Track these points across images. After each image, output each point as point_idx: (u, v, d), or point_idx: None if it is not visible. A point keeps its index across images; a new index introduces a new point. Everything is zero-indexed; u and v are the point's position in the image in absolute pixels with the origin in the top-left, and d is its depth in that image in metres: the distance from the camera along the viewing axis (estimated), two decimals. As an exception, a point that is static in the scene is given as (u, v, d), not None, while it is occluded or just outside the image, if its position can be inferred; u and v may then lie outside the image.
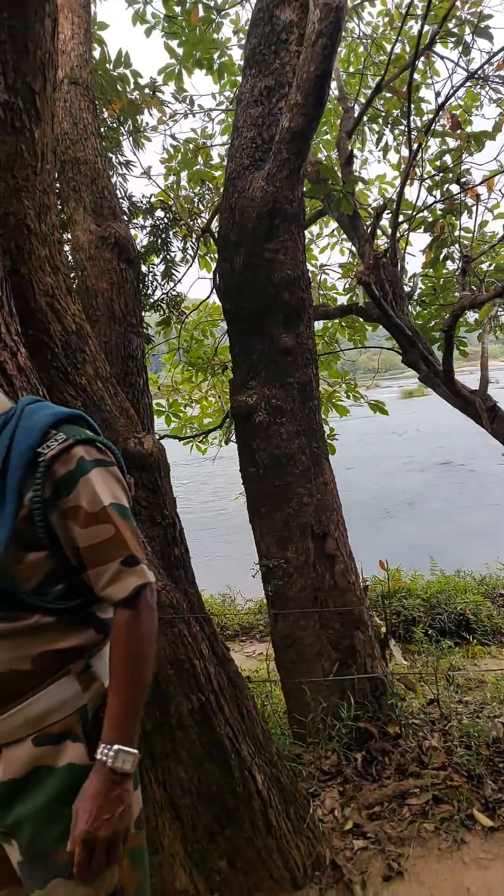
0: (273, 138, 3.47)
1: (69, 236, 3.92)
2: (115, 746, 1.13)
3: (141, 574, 1.20)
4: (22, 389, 2.00)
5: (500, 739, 2.87)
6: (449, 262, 5.22)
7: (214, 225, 5.60)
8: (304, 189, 4.01)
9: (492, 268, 4.99)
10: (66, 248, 3.80)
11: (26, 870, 1.16)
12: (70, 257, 3.76)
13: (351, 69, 6.52)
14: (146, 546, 2.33)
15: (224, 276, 3.66)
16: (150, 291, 5.58)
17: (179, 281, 5.59)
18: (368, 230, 4.46)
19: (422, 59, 4.89)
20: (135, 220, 5.40)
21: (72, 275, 3.25)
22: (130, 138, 5.34)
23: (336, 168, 4.73)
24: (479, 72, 4.46)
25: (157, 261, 5.51)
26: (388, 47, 5.88)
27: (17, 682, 1.17)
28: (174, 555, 2.53)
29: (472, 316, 5.27)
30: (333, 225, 7.40)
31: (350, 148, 4.80)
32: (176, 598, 2.25)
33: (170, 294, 5.66)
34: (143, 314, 4.14)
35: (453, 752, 2.85)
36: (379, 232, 5.51)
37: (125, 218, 4.11)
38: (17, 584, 1.16)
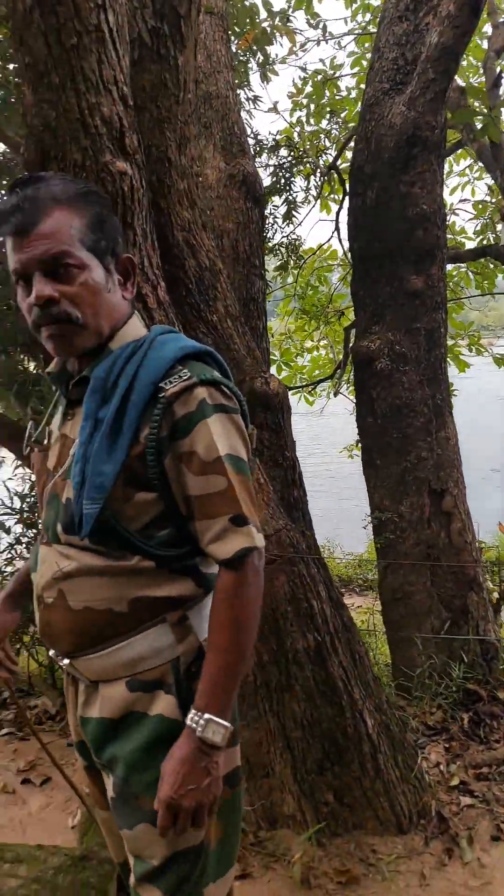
0: (417, 58, 3.21)
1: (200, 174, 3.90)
2: (206, 715, 1.05)
3: (248, 536, 1.08)
4: (160, 324, 2.03)
5: None
6: None
7: (340, 162, 5.36)
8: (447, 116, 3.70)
9: None
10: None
11: (117, 807, 1.17)
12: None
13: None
14: (268, 486, 2.35)
15: (353, 213, 3.51)
16: (270, 235, 5.48)
17: (300, 223, 5.45)
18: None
19: None
20: (259, 160, 5.28)
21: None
22: (259, 72, 5.17)
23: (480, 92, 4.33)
24: None
25: (278, 202, 5.38)
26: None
27: (113, 622, 1.12)
28: (293, 496, 2.54)
29: None
30: (465, 162, 6.88)
31: (498, 70, 4.37)
32: (295, 537, 2.26)
33: (289, 237, 5.53)
34: (264, 258, 4.08)
35: None
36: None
37: (252, 155, 4.01)
38: (123, 523, 1.09)
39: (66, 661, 1.18)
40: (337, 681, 2.18)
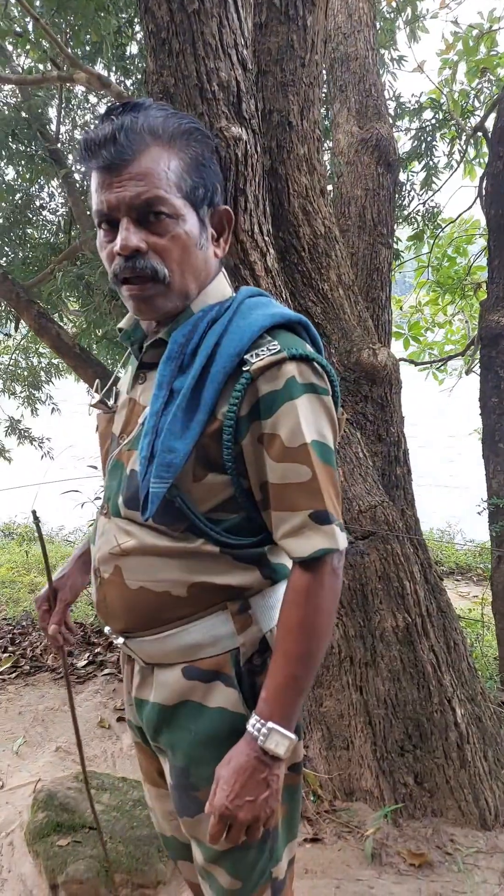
0: None
1: (330, 143, 3.81)
2: (270, 724, 0.95)
3: (330, 536, 0.97)
4: (267, 291, 2.04)
5: None
6: None
7: (489, 123, 4.97)
8: None
9: None
10: (326, 152, 3.70)
11: (176, 794, 1.11)
12: (328, 164, 3.66)
13: None
14: (367, 460, 2.30)
15: (493, 177, 3.26)
16: (405, 202, 5.24)
17: (439, 190, 5.15)
18: None
19: None
20: (399, 123, 5.04)
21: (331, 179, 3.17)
22: (407, 29, 4.90)
23: None
24: None
25: (417, 168, 5.12)
26: None
27: (171, 606, 1.05)
28: (395, 474, 2.47)
29: None
30: None
31: None
32: (392, 515, 2.20)
33: (427, 205, 5.25)
34: (395, 226, 3.92)
35: None
36: None
37: (390, 119, 3.84)
38: (190, 505, 1.00)
39: (121, 639, 1.12)
40: (426, 664, 2.12)
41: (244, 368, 0.96)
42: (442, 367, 6.69)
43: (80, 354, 3.29)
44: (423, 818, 2.15)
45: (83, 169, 1.01)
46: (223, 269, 1.12)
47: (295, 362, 0.97)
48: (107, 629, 1.15)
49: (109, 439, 1.14)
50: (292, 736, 0.96)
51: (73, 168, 3.66)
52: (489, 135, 4.97)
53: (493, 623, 3.50)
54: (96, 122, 0.95)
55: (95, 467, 3.44)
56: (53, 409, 5.49)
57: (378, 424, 2.36)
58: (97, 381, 1.27)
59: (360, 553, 2.10)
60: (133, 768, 2.63)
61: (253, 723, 0.97)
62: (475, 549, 7.38)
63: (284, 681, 0.97)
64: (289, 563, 1.08)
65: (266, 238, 2.03)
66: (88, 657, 3.68)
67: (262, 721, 0.96)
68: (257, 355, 0.96)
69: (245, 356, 0.97)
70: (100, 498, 1.22)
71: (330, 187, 3.25)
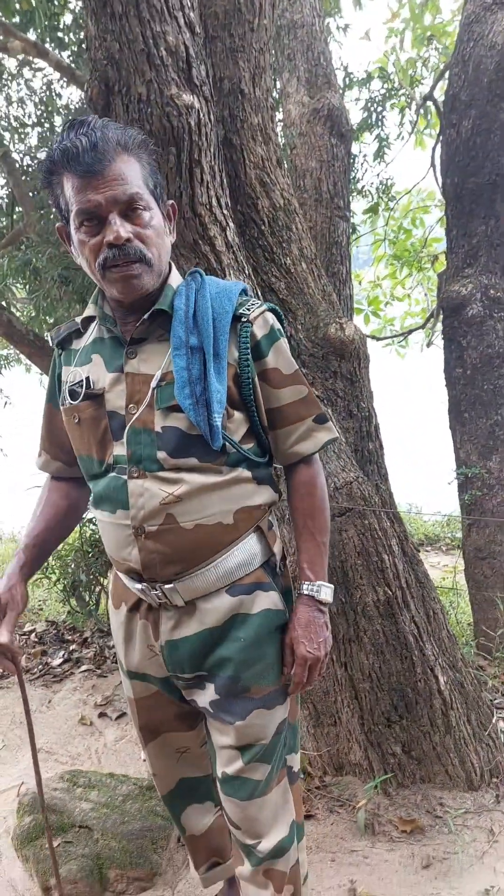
0: (526, -35, 2.86)
1: (281, 114, 3.73)
2: (318, 582, 1.28)
3: (330, 430, 1.31)
4: (229, 267, 1.97)
5: None
6: None
7: (439, 92, 4.95)
8: None
9: None
10: (278, 123, 3.62)
11: (223, 706, 1.27)
12: (280, 134, 3.58)
13: None
14: (340, 436, 2.28)
15: (448, 146, 3.24)
16: (358, 175, 5.20)
17: (392, 161, 5.11)
18: None
19: None
20: (348, 93, 4.97)
21: (284, 151, 3.10)
22: (350, -4, 4.80)
23: None
24: None
25: (368, 139, 5.07)
26: None
27: (221, 535, 1.22)
28: (368, 449, 2.45)
29: None
30: None
31: None
32: (367, 490, 2.19)
33: (380, 177, 5.22)
34: (350, 199, 3.87)
35: None
36: None
37: (339, 89, 3.77)
38: (229, 436, 1.21)
39: (169, 585, 1.22)
40: (408, 636, 2.13)
41: (242, 320, 1.22)
42: (403, 342, 6.72)
43: (34, 342, 3.17)
44: (413, 786, 2.17)
45: (48, 171, 1.14)
46: None
47: (270, 313, 1.27)
48: (139, 586, 1.25)
49: (106, 417, 1.23)
50: (331, 585, 1.30)
51: (12, 148, 3.50)
52: (438, 104, 4.95)
53: (466, 590, 3.56)
54: (64, 134, 1.10)
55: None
56: (6, 402, 5.31)
57: (348, 400, 2.33)
58: (86, 377, 1.28)
59: (339, 530, 2.08)
60: (119, 763, 2.59)
61: (307, 586, 1.28)
62: (442, 520, 7.51)
63: (317, 549, 1.30)
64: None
65: (225, 211, 1.96)
66: (64, 655, 3.61)
67: (312, 582, 1.28)
68: (248, 309, 1.24)
69: (238, 311, 1.23)
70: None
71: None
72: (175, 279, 1.26)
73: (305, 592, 1.28)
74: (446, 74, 4.66)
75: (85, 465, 1.30)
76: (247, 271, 2.05)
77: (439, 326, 6.43)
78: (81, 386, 1.25)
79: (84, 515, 1.55)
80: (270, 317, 1.26)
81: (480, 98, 2.99)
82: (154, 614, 1.28)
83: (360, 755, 2.19)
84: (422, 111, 5.08)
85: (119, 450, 1.22)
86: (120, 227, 1.10)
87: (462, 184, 3.18)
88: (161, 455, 1.19)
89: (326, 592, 1.28)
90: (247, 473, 1.24)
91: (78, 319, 1.34)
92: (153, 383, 1.19)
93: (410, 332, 6.70)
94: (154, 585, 1.23)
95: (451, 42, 5.32)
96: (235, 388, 1.22)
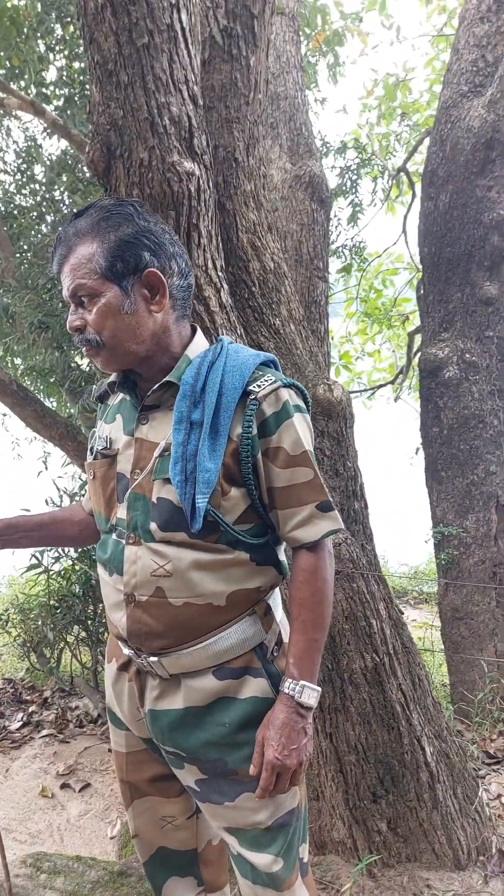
0: (498, 60, 3.08)
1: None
2: (302, 682, 1.17)
3: (334, 519, 1.23)
4: (222, 327, 1.98)
5: None
6: None
7: (410, 165, 5.21)
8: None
9: None
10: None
11: (211, 786, 1.23)
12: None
13: None
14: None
15: (425, 217, 3.38)
16: (333, 237, 5.39)
17: (366, 226, 5.32)
18: None
19: None
20: (324, 161, 5.19)
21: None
22: (329, 73, 5.09)
23: None
24: None
25: (343, 204, 5.28)
26: None
27: (210, 616, 1.18)
28: (353, 508, 2.44)
29: None
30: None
31: None
32: (355, 552, 2.17)
33: (353, 240, 5.42)
34: (328, 260, 4.00)
35: None
36: None
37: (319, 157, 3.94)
38: (222, 516, 1.16)
39: (154, 658, 1.20)
40: (395, 704, 2.08)
41: (251, 397, 1.18)
42: (371, 395, 6.87)
43: (17, 392, 3.11)
44: (398, 865, 2.08)
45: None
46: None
47: (286, 389, 1.22)
48: (127, 651, 1.25)
49: (114, 479, 1.26)
50: (318, 687, 1.19)
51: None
52: (410, 175, 5.21)
53: (442, 650, 3.54)
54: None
55: (29, 510, 3.25)
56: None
57: (335, 459, 2.33)
58: (93, 432, 1.37)
59: (326, 594, 2.04)
60: (84, 841, 2.42)
61: (288, 684, 1.18)
62: (409, 572, 7.53)
63: (307, 645, 1.20)
64: (283, 559, 1.31)
65: (220, 273, 1.98)
66: (22, 718, 3.40)
67: (295, 681, 1.18)
68: (259, 385, 1.20)
69: (248, 388, 1.19)
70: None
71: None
72: (195, 348, 1.26)
73: (286, 691, 1.18)
74: (419, 149, 4.93)
75: (97, 520, 1.33)
76: (239, 331, 2.07)
77: (407, 382, 6.60)
78: (103, 443, 1.30)
79: (70, 552, 1.58)
80: (285, 393, 1.21)
81: (457, 175, 3.14)
82: (141, 679, 1.27)
83: (344, 832, 2.10)
84: (394, 181, 5.33)
85: (121, 512, 1.23)
86: (72, 318, 1.20)
87: (439, 253, 3.32)
88: (153, 526, 1.18)
89: (309, 695, 1.17)
90: (244, 555, 1.21)
91: (106, 381, 1.38)
92: (156, 452, 1.20)
93: (380, 386, 6.87)
94: (139, 654, 1.22)
95: (421, 120, 5.66)
96: (235, 464, 1.18)
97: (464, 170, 3.11)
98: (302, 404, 1.25)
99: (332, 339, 6.97)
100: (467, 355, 3.29)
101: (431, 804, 2.07)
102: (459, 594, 3.30)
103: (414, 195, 5.04)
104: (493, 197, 3.12)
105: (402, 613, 2.35)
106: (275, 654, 1.26)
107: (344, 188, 5.04)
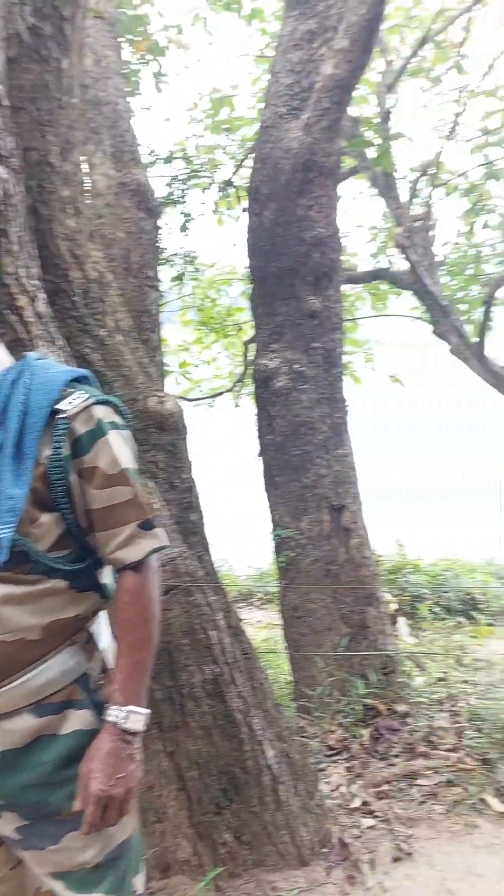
0: (313, 86, 3.25)
1: (87, 181, 3.73)
2: (127, 707, 1.12)
3: (156, 537, 1.19)
4: (39, 338, 1.87)
5: (512, 723, 2.82)
6: (483, 232, 5.01)
7: (237, 178, 5.37)
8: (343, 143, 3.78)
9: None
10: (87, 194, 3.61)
11: (33, 831, 1.15)
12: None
13: (389, 22, 6.14)
14: (163, 510, 2.23)
15: (252, 231, 3.48)
16: (164, 245, 5.39)
17: (197, 236, 5.39)
18: (407, 191, 4.26)
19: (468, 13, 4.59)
20: (151, 170, 5.17)
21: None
22: (154, 82, 5.07)
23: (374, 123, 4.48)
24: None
25: (173, 214, 5.30)
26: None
27: (25, 651, 1.11)
28: (190, 520, 2.44)
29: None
30: (359, 186, 7.11)
31: (389, 104, 4.56)
32: (192, 565, 2.16)
33: (185, 249, 5.47)
34: (158, 269, 3.98)
35: (464, 733, 2.80)
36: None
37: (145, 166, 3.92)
38: (33, 546, 1.11)
39: None
40: (235, 713, 2.09)
41: (60, 416, 1.13)
42: (212, 402, 6.97)
43: None
44: (245, 874, 2.10)
45: None
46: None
47: (100, 405, 1.18)
48: None
49: None
50: (145, 710, 1.14)
51: None
52: (238, 189, 5.37)
53: (285, 649, 3.66)
54: None
55: None
56: None
57: (169, 472, 2.31)
58: None
59: (163, 610, 2.00)
60: None
61: (113, 712, 1.12)
62: (255, 574, 7.73)
63: (133, 666, 1.15)
64: (108, 581, 1.25)
65: (35, 282, 1.87)
66: None
67: (120, 707, 1.12)
68: (70, 403, 1.15)
69: (57, 406, 1.14)
70: None
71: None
72: None
73: (110, 719, 1.12)
74: (245, 164, 5.09)
75: None
76: (59, 343, 1.97)
77: (246, 390, 6.78)
78: None
79: None
80: (99, 410, 1.17)
81: (279, 194, 3.28)
82: None
83: (188, 851, 2.07)
84: (223, 194, 5.45)
85: None
86: None
87: (266, 267, 3.44)
88: None
89: (136, 720, 1.13)
90: (62, 583, 1.14)
91: None
92: None
93: (219, 394, 6.98)
94: None
95: (249, 135, 5.84)
96: (45, 488, 1.12)
97: (285, 189, 3.26)
98: (119, 420, 1.21)
99: (169, 347, 6.96)
100: (296, 366, 3.44)
101: (275, 806, 2.12)
102: (297, 593, 3.44)
103: (243, 208, 5.20)
104: (313, 216, 3.30)
105: (241, 620, 2.39)
106: (100, 683, 1.20)
107: (172, 197, 5.06)
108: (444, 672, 3.75)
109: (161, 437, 2.32)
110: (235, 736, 2.09)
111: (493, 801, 2.38)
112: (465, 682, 3.63)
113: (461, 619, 5.33)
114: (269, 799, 2.11)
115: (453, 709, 3.12)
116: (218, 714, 2.07)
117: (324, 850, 2.21)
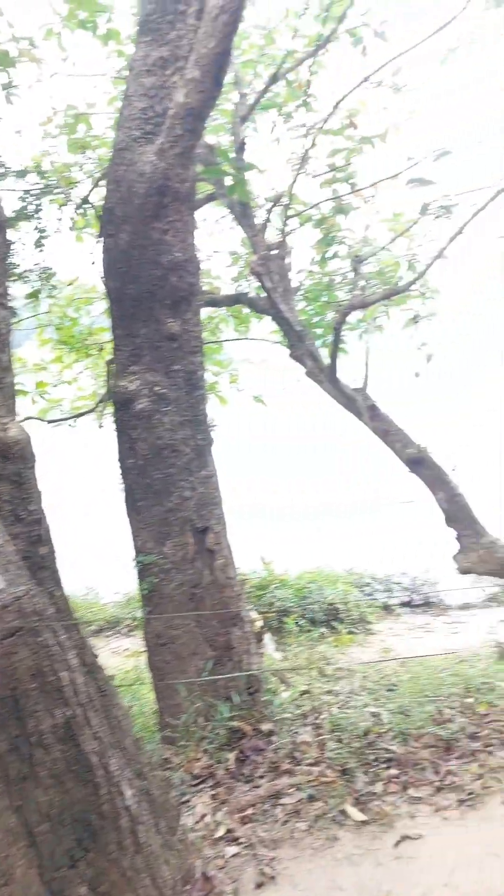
0: (166, 111, 3.27)
1: None
2: None
3: None
4: None
5: (370, 730, 2.94)
6: (334, 261, 5.29)
7: (94, 197, 5.26)
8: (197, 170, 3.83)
9: (376, 270, 5.12)
10: None
11: None
12: None
13: (243, 57, 6.36)
14: (8, 545, 2.08)
15: (108, 253, 3.41)
16: (17, 262, 5.14)
17: (54, 252, 5.20)
18: (262, 220, 4.40)
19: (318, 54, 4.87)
20: (3, 182, 4.93)
21: None
22: (5, 93, 4.85)
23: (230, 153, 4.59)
24: (373, 76, 4.53)
25: (26, 229, 5.08)
26: (282, 39, 5.81)
27: None
28: (39, 554, 2.30)
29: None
30: (219, 212, 7.25)
31: (243, 136, 4.69)
32: (40, 603, 2.03)
33: (40, 265, 5.25)
34: (8, 285, 3.77)
35: (325, 746, 2.87)
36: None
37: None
38: None
39: None
40: (90, 756, 1.98)
41: None
42: (73, 423, 6.71)
43: None
44: (105, 925, 1.98)
45: None
46: None
47: None
48: None
49: None
50: None
51: None
52: (96, 207, 5.25)
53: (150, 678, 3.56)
54: None
55: None
56: None
57: (15, 504, 2.17)
58: None
59: (7, 654, 1.86)
60: None
61: None
62: (122, 600, 7.50)
63: None
64: None
65: None
66: None
67: None
68: None
69: None
70: None
71: None
72: None
73: None
74: (101, 183, 4.99)
75: None
76: None
77: (109, 410, 6.60)
78: None
79: None
80: None
81: (134, 217, 3.24)
82: None
83: (42, 912, 1.92)
84: (81, 212, 5.30)
85: None
86: None
87: (123, 289, 3.38)
88: None
89: None
90: None
91: None
92: None
93: (81, 414, 6.73)
94: None
95: (102, 156, 5.74)
96: None
97: (140, 212, 3.23)
98: None
99: (26, 366, 6.63)
100: (157, 388, 3.40)
101: (134, 849, 2.03)
102: (161, 620, 3.36)
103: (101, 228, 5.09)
104: (169, 240, 3.30)
105: (97, 657, 2.28)
106: None
107: (26, 212, 4.85)
108: (308, 684, 3.85)
109: (6, 466, 2.18)
110: (90, 780, 1.98)
111: (353, 811, 2.46)
112: (329, 692, 3.74)
113: (324, 629, 5.52)
114: (127, 842, 2.02)
115: (316, 721, 3.20)
116: (71, 759, 1.95)
117: (187, 887, 2.15)
